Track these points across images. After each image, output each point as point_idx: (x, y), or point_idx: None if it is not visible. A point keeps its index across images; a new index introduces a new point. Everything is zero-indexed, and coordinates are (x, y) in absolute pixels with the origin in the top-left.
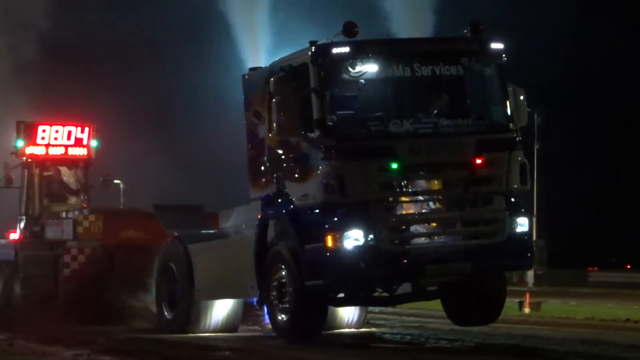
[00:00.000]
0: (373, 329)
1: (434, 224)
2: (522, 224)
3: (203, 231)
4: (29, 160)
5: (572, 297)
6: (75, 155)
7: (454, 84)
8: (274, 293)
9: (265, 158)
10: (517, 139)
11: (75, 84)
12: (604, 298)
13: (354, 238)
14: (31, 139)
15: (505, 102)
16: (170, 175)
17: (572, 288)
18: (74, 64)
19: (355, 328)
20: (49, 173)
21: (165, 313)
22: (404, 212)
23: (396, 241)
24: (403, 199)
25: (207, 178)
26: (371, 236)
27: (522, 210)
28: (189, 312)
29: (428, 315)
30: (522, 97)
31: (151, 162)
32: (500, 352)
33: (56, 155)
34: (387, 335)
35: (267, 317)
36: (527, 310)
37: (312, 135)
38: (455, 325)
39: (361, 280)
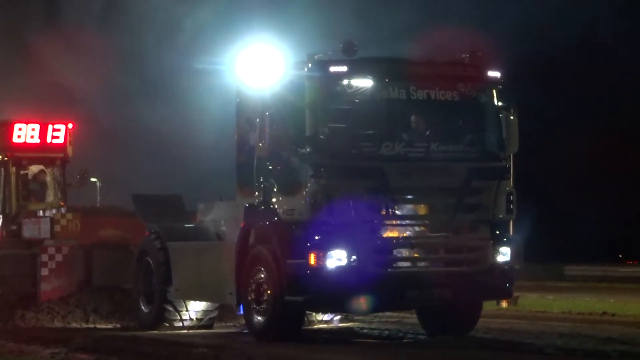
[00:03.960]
0: (351, 324)
1: (418, 249)
2: (505, 253)
3: (182, 225)
4: (5, 158)
5: (549, 291)
6: (52, 153)
7: (448, 109)
8: (252, 294)
9: (253, 167)
10: (507, 166)
11: (51, 81)
12: (581, 292)
13: (337, 258)
14: (7, 138)
15: (498, 129)
16: (146, 172)
17: (549, 282)
18: (47, 60)
19: (333, 323)
20: (26, 172)
21: (142, 307)
22: (389, 235)
23: (379, 264)
24: (389, 222)
25: (185, 173)
26: (354, 257)
27: (506, 239)
28: (165, 307)
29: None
30: (514, 124)
31: (127, 159)
32: (477, 346)
33: (33, 153)
34: (365, 330)
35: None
36: (504, 304)
37: (303, 151)
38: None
39: (341, 301)
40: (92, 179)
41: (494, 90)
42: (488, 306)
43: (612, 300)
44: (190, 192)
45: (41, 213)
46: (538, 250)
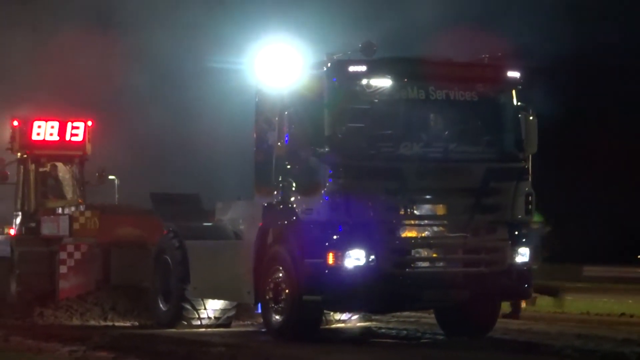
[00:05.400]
0: (369, 324)
1: (436, 249)
2: (523, 254)
3: (199, 224)
4: (24, 156)
5: (567, 291)
6: (71, 151)
7: (467, 110)
8: (270, 294)
9: (272, 166)
10: (526, 167)
11: (71, 78)
12: (599, 293)
13: (355, 257)
14: (26, 135)
15: (517, 130)
16: (164, 171)
17: (567, 283)
18: (67, 55)
19: (351, 322)
20: (45, 169)
21: (160, 305)
22: (407, 235)
23: (397, 264)
24: (407, 222)
25: (203, 172)
26: (372, 257)
27: (524, 240)
28: (183, 306)
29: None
30: (533, 125)
31: (145, 157)
32: (496, 347)
33: (52, 151)
34: (383, 330)
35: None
36: (522, 304)
37: (322, 150)
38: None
39: (359, 300)
40: (111, 177)
41: (513, 91)
42: (506, 307)
43: (630, 302)
44: (208, 191)
45: (60, 210)
46: (556, 250)
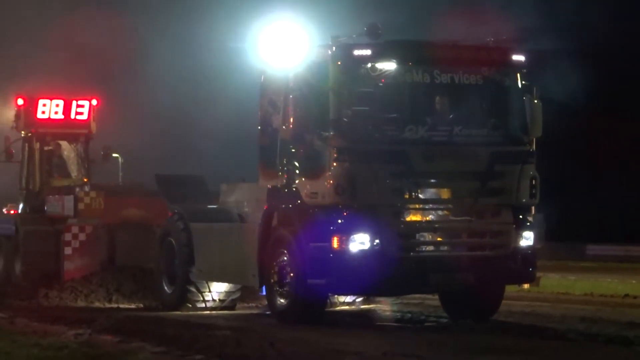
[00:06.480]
0: (373, 306)
1: (441, 233)
2: (528, 238)
3: (204, 206)
4: (30, 134)
5: (570, 271)
6: (76, 129)
7: (472, 93)
8: (275, 277)
9: (277, 149)
10: (530, 150)
11: (76, 55)
12: (603, 272)
13: (359, 241)
14: (31, 114)
15: (522, 113)
16: (169, 150)
17: (571, 262)
18: (73, 33)
19: (355, 305)
20: (50, 147)
21: (165, 288)
22: (411, 219)
23: (402, 248)
24: (412, 205)
25: (206, 151)
26: (377, 241)
27: (529, 223)
28: (187, 288)
29: None
30: (538, 108)
31: (150, 136)
32: (500, 331)
33: (57, 129)
34: (387, 313)
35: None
36: (526, 286)
37: (327, 134)
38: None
39: (364, 284)
40: (114, 155)
41: (518, 74)
42: (510, 288)
43: (633, 282)
44: (212, 172)
45: (65, 190)
46: (560, 229)
